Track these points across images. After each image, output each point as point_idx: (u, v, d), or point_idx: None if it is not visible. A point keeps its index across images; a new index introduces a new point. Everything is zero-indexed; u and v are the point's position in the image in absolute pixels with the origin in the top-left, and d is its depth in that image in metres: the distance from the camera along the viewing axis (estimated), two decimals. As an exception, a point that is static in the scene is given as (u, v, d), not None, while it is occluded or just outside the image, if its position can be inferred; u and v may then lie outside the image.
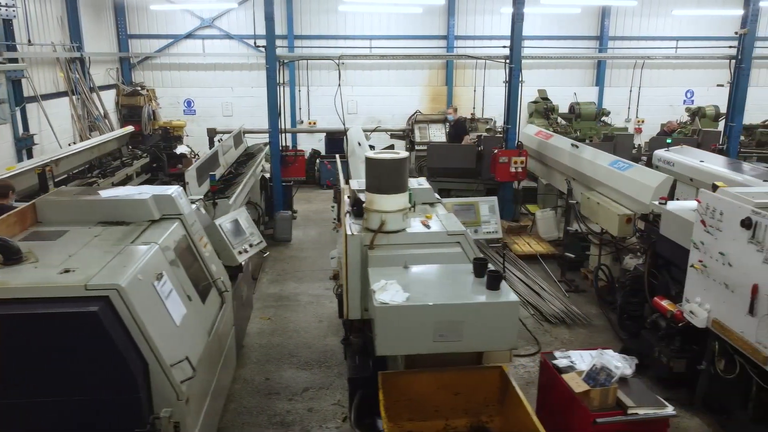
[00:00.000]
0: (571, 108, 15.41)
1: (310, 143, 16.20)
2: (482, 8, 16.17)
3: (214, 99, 15.99)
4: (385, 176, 4.83)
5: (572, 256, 8.62)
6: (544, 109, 15.45)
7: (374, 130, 14.94)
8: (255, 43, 10.26)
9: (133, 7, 15.53)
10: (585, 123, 15.24)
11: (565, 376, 3.80)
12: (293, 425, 5.34)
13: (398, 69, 16.28)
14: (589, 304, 7.88)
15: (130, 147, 11.62)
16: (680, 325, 5.48)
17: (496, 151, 10.72)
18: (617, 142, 12.30)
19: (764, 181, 8.80)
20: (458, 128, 12.53)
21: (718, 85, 17.71)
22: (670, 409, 3.59)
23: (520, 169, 10.62)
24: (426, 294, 3.79)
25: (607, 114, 15.54)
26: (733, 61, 10.84)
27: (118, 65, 15.30)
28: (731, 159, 10.58)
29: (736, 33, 10.71)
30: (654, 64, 16.83)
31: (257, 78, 15.94)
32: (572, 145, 9.40)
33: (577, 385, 3.67)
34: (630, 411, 3.54)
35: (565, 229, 8.93)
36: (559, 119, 15.43)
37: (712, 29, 16.74)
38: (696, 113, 15.58)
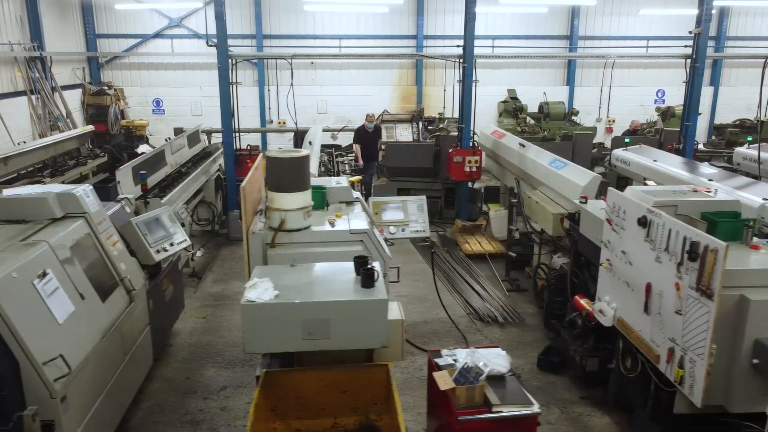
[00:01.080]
0: (541, 108, 15.44)
1: (281, 142, 16.19)
2: (452, 8, 16.15)
3: (183, 98, 15.99)
4: (284, 175, 4.84)
5: (513, 255, 8.62)
6: (512, 109, 15.47)
7: (341, 130, 14.96)
8: (207, 42, 10.13)
9: (101, 7, 15.52)
10: (554, 123, 15.26)
11: (435, 374, 3.80)
12: (202, 424, 5.34)
13: (368, 69, 16.28)
14: (527, 303, 7.88)
15: (90, 147, 11.61)
16: (593, 323, 5.49)
17: (450, 150, 10.73)
18: (576, 142, 12.34)
19: (709, 180, 8.85)
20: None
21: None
22: (535, 408, 3.58)
23: (474, 169, 10.63)
24: (298, 292, 3.79)
25: (576, 114, 15.56)
26: (689, 60, 10.82)
27: (84, 65, 15.28)
28: (685, 159, 10.58)
29: (690, 32, 10.71)
30: (625, 64, 16.83)
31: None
32: (519, 144, 9.40)
33: (444, 383, 3.66)
34: (495, 409, 3.54)
35: (508, 228, 8.94)
36: (528, 119, 15.46)
37: (683, 29, 16.71)
38: (666, 113, 15.62)
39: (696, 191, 5.15)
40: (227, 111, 10.26)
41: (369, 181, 11.83)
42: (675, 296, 4.21)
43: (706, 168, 9.71)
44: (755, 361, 3.93)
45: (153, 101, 16.07)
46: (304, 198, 4.89)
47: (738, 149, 12.09)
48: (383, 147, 12.08)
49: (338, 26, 16.00)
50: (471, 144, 10.79)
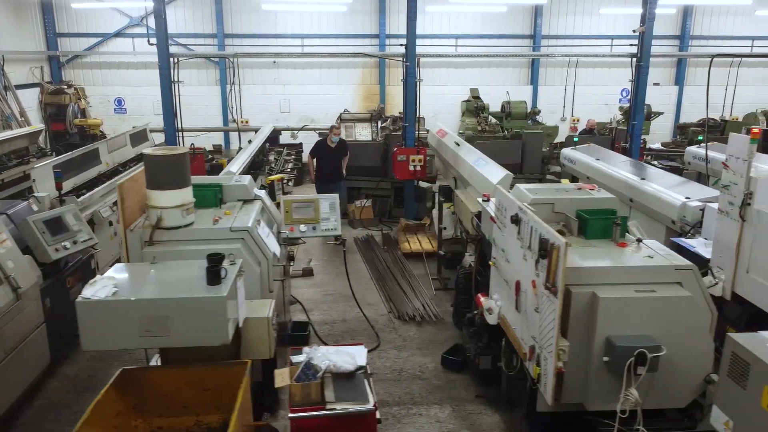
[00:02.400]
0: (503, 107, 15.43)
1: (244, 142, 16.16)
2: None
3: (145, 97, 15.95)
4: (160, 172, 4.83)
5: (443, 253, 8.62)
6: (474, 108, 15.47)
7: (302, 129, 14.98)
8: (148, 41, 10.11)
9: (61, 6, 15.50)
10: (516, 122, 15.24)
11: (275, 371, 3.80)
12: (90, 422, 5.31)
13: (331, 68, 16.27)
14: (451, 301, 7.86)
15: (40, 146, 11.60)
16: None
17: (395, 149, 10.72)
18: (526, 141, 12.33)
19: (642, 179, 8.86)
20: (340, 150, 10.44)
21: (654, 84, 17.79)
22: (370, 405, 3.57)
23: (418, 168, 10.61)
24: (139, 289, 3.78)
25: (538, 113, 15.55)
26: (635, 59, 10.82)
27: (44, 64, 15.26)
28: (626, 158, 10.56)
29: (633, 31, 10.71)
30: (589, 63, 16.84)
31: (188, 76, 15.91)
32: (455, 143, 9.39)
33: (281, 380, 3.66)
34: (329, 406, 3.53)
35: (438, 227, 8.93)
36: (491, 118, 15.45)
37: (647, 28, 16.73)
38: (629, 112, 15.61)
39: (580, 189, 5.15)
40: (169, 110, 10.24)
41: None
42: (533, 294, 4.21)
43: (641, 167, 9.72)
44: (606, 359, 3.92)
45: (114, 100, 16.05)
46: (183, 196, 4.88)
47: (689, 148, 12.09)
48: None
49: (300, 25, 15.98)
50: (415, 143, 10.77)
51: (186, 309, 3.65)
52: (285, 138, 15.14)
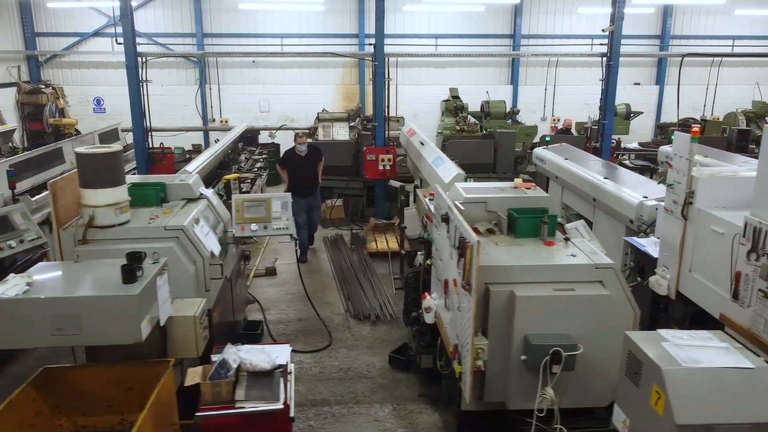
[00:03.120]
0: (482, 106, 15.43)
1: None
2: (393, 7, 16.11)
3: (124, 97, 15.72)
4: (92, 171, 4.82)
5: (404, 252, 8.60)
6: (453, 108, 15.46)
7: (279, 129, 14.97)
8: (116, 40, 10.09)
9: (40, 5, 15.48)
10: (495, 121, 15.25)
11: (189, 370, 3.79)
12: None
13: (311, 67, 16.26)
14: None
15: (12, 145, 11.59)
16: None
17: (365, 148, 10.72)
18: (498, 140, 12.33)
19: (605, 178, 8.85)
20: (311, 157, 9.45)
21: (635, 84, 17.81)
22: (280, 404, 3.56)
23: (388, 167, 10.62)
24: (52, 287, 3.77)
25: (517, 113, 15.54)
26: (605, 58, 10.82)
27: (21, 63, 15.24)
28: (594, 157, 10.56)
29: (603, 30, 10.71)
30: (569, 63, 16.83)
31: (167, 76, 15.94)
32: (420, 142, 9.39)
33: (191, 378, 3.65)
34: (238, 405, 3.53)
35: (400, 227, 8.91)
36: (470, 117, 15.45)
37: (627, 28, 16.73)
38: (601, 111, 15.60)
39: (516, 188, 5.15)
40: (137, 109, 10.23)
41: (314, 221, 9.68)
42: (455, 292, 4.20)
43: (608, 166, 9.71)
44: (523, 357, 3.92)
45: (93, 100, 16.03)
46: (116, 194, 4.87)
47: (662, 148, 12.08)
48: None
49: (280, 25, 15.96)
50: (384, 142, 10.77)
51: (97, 307, 3.63)
52: (264, 138, 15.14)
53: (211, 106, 16.27)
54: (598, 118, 15.80)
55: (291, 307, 7.68)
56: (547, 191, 10.59)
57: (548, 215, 4.53)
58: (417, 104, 16.58)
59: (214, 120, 16.30)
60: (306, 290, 7.17)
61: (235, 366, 3.70)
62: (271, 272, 8.78)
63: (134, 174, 11.01)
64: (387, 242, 9.89)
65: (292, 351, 6.43)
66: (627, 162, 12.32)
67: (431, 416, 5.35)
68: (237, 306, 6.64)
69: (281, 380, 3.81)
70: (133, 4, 15.09)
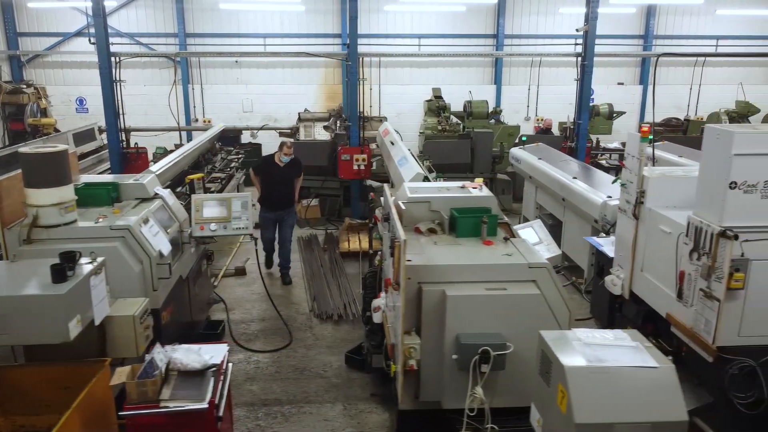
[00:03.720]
0: (465, 106, 15.44)
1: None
2: (376, 7, 16.16)
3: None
4: (36, 170, 4.82)
5: (372, 251, 8.61)
6: (436, 108, 15.48)
7: (261, 128, 14.94)
8: (90, 40, 10.09)
9: (21, 5, 15.47)
10: (477, 121, 15.26)
11: (117, 369, 3.80)
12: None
13: (293, 67, 16.25)
14: (374, 300, 7.86)
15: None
16: (378, 320, 5.48)
17: (339, 148, 10.73)
18: (475, 140, 12.34)
19: (574, 178, 8.88)
20: (290, 170, 8.39)
21: (618, 83, 17.82)
22: (204, 404, 3.57)
23: (362, 167, 10.63)
24: (-20, 287, 3.78)
25: (499, 112, 15.56)
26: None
27: (2, 63, 15.24)
28: (569, 157, 10.57)
29: (577, 30, 10.72)
30: (553, 62, 16.83)
31: (150, 76, 15.94)
32: (390, 142, 9.40)
33: (117, 378, 3.66)
34: (162, 404, 3.54)
35: (369, 226, 8.92)
36: (452, 117, 15.47)
37: (611, 28, 16.78)
38: (591, 111, 15.61)
39: (463, 187, 5.16)
40: (110, 109, 10.22)
41: (285, 238, 8.44)
42: (392, 291, 4.21)
43: (578, 166, 9.74)
44: (454, 356, 3.92)
45: (76, 100, 16.02)
46: (61, 194, 4.88)
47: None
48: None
49: (262, 25, 15.96)
50: (359, 142, 10.78)
51: (23, 307, 3.64)
52: (247, 138, 15.16)
53: (194, 106, 16.26)
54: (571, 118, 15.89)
55: (256, 307, 7.69)
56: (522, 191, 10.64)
57: (488, 215, 4.53)
58: (400, 104, 16.59)
59: (197, 120, 16.29)
60: (267, 290, 7.18)
61: (163, 366, 3.70)
62: (240, 272, 8.78)
63: (109, 174, 11.04)
64: (360, 242, 9.90)
65: (251, 351, 6.52)
66: (603, 162, 12.33)
67: (381, 416, 5.35)
68: (197, 306, 6.64)
69: (211, 380, 3.81)
70: (115, 3, 15.15)
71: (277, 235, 8.54)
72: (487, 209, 4.70)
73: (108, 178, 6.11)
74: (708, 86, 16.88)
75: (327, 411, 5.41)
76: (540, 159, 10.22)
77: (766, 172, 4.30)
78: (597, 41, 16.69)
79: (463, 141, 12.19)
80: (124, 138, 10.99)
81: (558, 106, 16.87)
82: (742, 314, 4.55)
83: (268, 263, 8.76)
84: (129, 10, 15.66)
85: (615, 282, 6.16)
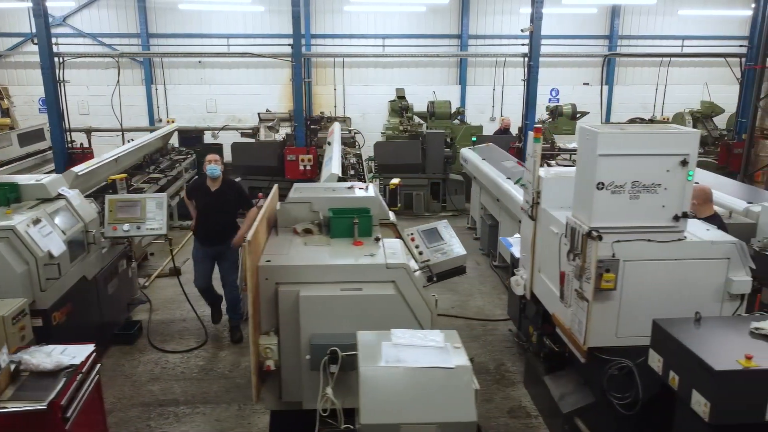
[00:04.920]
0: (428, 107, 15.45)
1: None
2: (339, 8, 16.17)
3: (70, 98, 15.80)
4: None
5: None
6: (398, 108, 15.49)
7: (222, 129, 14.94)
8: (32, 40, 10.08)
9: (-18, 6, 15.50)
10: (440, 122, 15.27)
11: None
12: None
13: (258, 67, 16.25)
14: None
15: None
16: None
17: (285, 149, 10.74)
18: (427, 140, 12.36)
19: (507, 178, 8.90)
20: (227, 195, 6.63)
21: (584, 84, 17.83)
22: (43, 405, 3.56)
23: (308, 167, 10.64)
24: None
25: (462, 112, 15.57)
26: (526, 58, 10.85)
27: (-38, 64, 15.27)
28: (512, 158, 10.57)
29: (522, 30, 10.73)
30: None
31: (114, 76, 15.90)
32: (328, 143, 9.41)
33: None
34: (0, 405, 3.54)
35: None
36: (415, 118, 15.47)
37: (575, 28, 16.82)
38: (554, 111, 15.64)
39: (350, 188, 5.16)
40: (54, 109, 10.22)
41: (224, 275, 6.79)
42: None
43: (515, 166, 9.74)
44: (307, 357, 3.92)
45: (39, 100, 15.97)
46: None
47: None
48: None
49: (225, 25, 15.96)
50: (305, 142, 10.79)
51: None
52: (210, 138, 15.15)
53: (158, 107, 16.26)
54: (545, 119, 15.92)
55: (181, 308, 7.67)
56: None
57: (361, 216, 4.52)
58: (365, 104, 16.61)
59: (161, 120, 16.29)
60: (183, 289, 7.17)
61: (12, 366, 3.71)
62: (174, 272, 8.75)
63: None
64: (301, 242, 9.89)
65: (162, 351, 6.51)
66: (553, 162, 12.32)
67: (264, 416, 5.34)
68: (112, 307, 6.64)
69: (62, 381, 3.81)
70: (74, 4, 15.15)
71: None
72: (366, 210, 4.70)
73: (6, 178, 6.08)
74: (674, 86, 16.92)
75: (221, 412, 5.40)
76: (483, 159, 10.23)
77: (632, 173, 4.31)
78: (562, 42, 16.86)
79: (413, 142, 12.21)
80: (71, 138, 11.01)
81: (520, 106, 16.88)
82: (618, 315, 4.57)
83: (215, 316, 7.07)
84: (91, 11, 15.65)
85: (519, 282, 6.17)
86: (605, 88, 17.69)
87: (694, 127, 15.60)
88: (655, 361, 3.90)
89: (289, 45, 15.70)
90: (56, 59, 10.25)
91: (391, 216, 5.14)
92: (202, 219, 6.65)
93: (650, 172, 4.30)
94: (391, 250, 4.32)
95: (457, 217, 11.85)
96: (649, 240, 4.42)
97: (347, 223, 4.52)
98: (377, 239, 4.48)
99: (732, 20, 17.10)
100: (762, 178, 10.57)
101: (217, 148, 14.31)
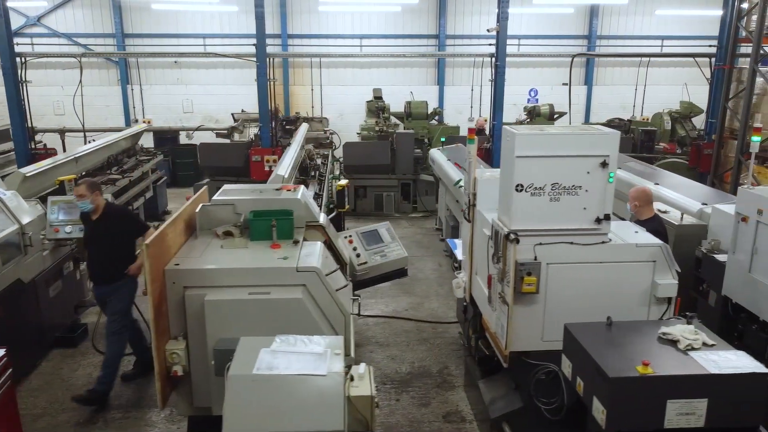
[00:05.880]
0: (405, 107, 15.39)
1: (146, 143, 16.06)
2: (312, 7, 16.10)
3: (45, 98, 15.82)
4: None
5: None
6: (375, 108, 15.43)
7: (197, 129, 14.89)
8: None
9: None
10: (417, 122, 15.21)
11: None
12: None
13: (234, 67, 16.17)
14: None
15: None
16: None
17: (250, 150, 10.66)
18: (397, 141, 12.29)
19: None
20: (110, 226, 5.49)
21: (563, 84, 17.75)
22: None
23: (274, 168, 10.54)
24: None
25: (439, 113, 15.51)
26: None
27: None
28: (478, 159, 10.50)
29: (488, 30, 10.66)
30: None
31: (89, 76, 15.84)
32: (288, 144, 9.33)
33: None
34: None
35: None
36: (392, 118, 15.41)
37: (554, 28, 16.76)
38: (531, 112, 15.58)
39: (279, 189, 5.09)
40: (15, 110, 10.14)
41: (108, 328, 5.53)
42: (163, 296, 4.13)
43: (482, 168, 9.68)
44: (212, 362, 3.85)
45: (13, 100, 15.92)
46: None
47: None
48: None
49: (201, 25, 15.89)
50: (271, 143, 10.71)
51: None
52: (184, 139, 15.11)
53: (134, 107, 16.18)
54: (523, 119, 15.88)
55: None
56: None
57: (279, 218, 4.45)
58: (343, 105, 16.55)
59: (137, 120, 16.21)
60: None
61: None
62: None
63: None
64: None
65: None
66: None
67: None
68: (54, 310, 6.55)
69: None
70: (48, 4, 15.07)
71: None
72: (288, 212, 4.62)
73: None
74: (654, 87, 16.86)
75: (152, 416, 5.33)
76: (448, 160, 10.17)
77: (552, 175, 4.25)
78: (541, 42, 16.80)
79: (382, 142, 12.14)
80: (38, 139, 10.94)
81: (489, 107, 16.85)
82: (543, 319, 4.50)
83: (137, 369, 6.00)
84: (66, 11, 15.57)
85: (459, 285, 6.11)
86: (584, 88, 17.70)
87: (673, 127, 15.55)
88: (566, 366, 3.83)
89: (269, 45, 15.78)
90: (18, 59, 10.08)
91: (322, 218, 5.06)
92: (92, 255, 5.57)
93: (570, 173, 4.24)
94: (307, 253, 4.24)
95: (426, 218, 11.78)
96: (571, 243, 4.36)
97: (266, 226, 4.44)
98: (296, 242, 4.41)
99: (711, 20, 17.05)
100: (731, 179, 10.49)
101: (191, 149, 14.34)
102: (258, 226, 4.46)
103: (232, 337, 3.84)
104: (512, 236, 4.21)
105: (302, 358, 2.83)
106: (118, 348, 5.53)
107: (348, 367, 2.91)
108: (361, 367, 3.44)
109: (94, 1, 15.49)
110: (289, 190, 4.99)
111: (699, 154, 11.72)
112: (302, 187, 5.16)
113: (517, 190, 4.26)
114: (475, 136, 5.40)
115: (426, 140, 13.94)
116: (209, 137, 14.47)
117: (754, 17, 9.75)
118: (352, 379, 3.36)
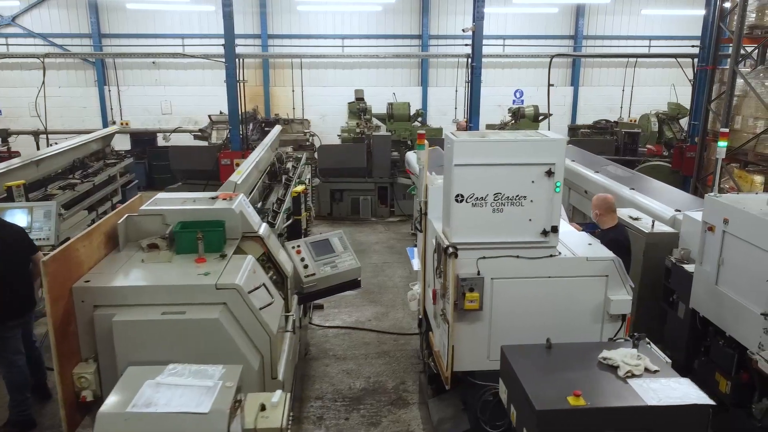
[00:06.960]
0: (388, 108, 15.12)
1: (123, 145, 15.79)
2: (292, 7, 15.84)
3: (21, 99, 15.50)
4: None
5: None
6: (357, 110, 15.15)
7: (174, 131, 14.62)
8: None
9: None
10: (399, 123, 14.93)
11: None
12: None
13: (213, 68, 15.81)
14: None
15: None
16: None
17: (220, 153, 10.40)
18: (373, 144, 12.04)
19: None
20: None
21: (550, 85, 17.49)
22: None
23: (244, 171, 10.27)
24: None
25: (422, 114, 15.23)
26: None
27: None
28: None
29: (463, 30, 10.39)
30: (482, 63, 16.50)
31: (66, 77, 15.59)
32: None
33: None
34: None
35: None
36: (373, 119, 15.14)
37: (540, 28, 16.50)
38: (516, 113, 15.31)
39: (214, 198, 4.80)
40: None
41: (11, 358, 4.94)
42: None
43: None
44: (123, 387, 3.57)
45: (-10, 101, 15.67)
46: None
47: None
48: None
49: (179, 25, 15.61)
50: (241, 146, 10.45)
51: None
52: (162, 141, 14.82)
53: (111, 108, 15.90)
54: (507, 120, 15.61)
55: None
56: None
57: (208, 229, 4.17)
58: (325, 106, 16.28)
59: (114, 122, 15.92)
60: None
61: None
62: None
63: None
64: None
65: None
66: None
67: None
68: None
69: None
70: (22, 3, 14.79)
71: None
72: (219, 222, 4.34)
73: None
74: (642, 87, 16.61)
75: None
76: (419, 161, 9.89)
77: (494, 185, 3.98)
78: (527, 42, 16.53)
79: (357, 145, 11.88)
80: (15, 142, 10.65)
81: (485, 108, 16.54)
82: (489, 337, 4.23)
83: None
84: (42, 10, 15.28)
85: (413, 297, 5.84)
86: (570, 89, 17.44)
87: (660, 129, 15.30)
88: (503, 392, 3.56)
89: (248, 45, 15.55)
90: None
91: (262, 229, 4.77)
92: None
93: (513, 183, 3.98)
94: (233, 268, 3.96)
95: (404, 223, 11.51)
96: (517, 256, 4.10)
97: (192, 238, 4.15)
98: (223, 256, 4.12)
99: (698, 20, 16.80)
100: (713, 183, 10.21)
101: (168, 152, 14.04)
102: (183, 238, 4.18)
103: (144, 360, 3.58)
104: (450, 250, 3.94)
105: (187, 393, 2.55)
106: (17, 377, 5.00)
107: (238, 401, 2.62)
108: (276, 396, 3.18)
109: (70, 1, 15.20)
110: (226, 199, 4.70)
111: (682, 156, 11.45)
112: (241, 195, 4.87)
113: (457, 200, 4.00)
114: (426, 141, 5.14)
115: (409, 142, 13.67)
116: (188, 140, 14.22)
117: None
118: (263, 408, 3.10)
